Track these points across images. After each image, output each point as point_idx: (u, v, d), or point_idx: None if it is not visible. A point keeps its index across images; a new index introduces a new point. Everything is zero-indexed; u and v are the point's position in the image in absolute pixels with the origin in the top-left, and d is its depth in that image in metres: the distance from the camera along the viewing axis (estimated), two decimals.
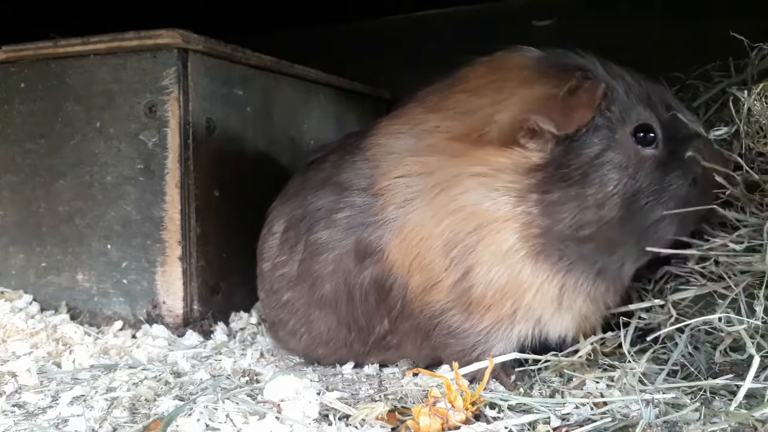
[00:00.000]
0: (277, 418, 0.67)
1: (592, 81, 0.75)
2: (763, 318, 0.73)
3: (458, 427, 0.65)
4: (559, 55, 0.80)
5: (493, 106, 0.78)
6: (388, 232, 0.81)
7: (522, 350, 0.82)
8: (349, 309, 0.85)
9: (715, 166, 0.77)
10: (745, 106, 0.79)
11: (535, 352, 0.82)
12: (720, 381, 0.72)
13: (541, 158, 0.76)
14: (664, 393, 0.70)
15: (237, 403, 0.71)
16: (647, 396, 0.69)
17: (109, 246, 1.09)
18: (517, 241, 0.77)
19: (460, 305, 0.79)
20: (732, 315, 0.74)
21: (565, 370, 0.82)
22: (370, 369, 0.90)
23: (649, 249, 0.80)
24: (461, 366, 0.78)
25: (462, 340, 0.81)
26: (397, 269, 0.81)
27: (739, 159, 0.79)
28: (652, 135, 0.77)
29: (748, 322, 0.73)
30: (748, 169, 0.78)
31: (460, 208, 0.78)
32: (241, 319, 1.12)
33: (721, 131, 0.80)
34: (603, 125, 0.76)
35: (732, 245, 0.76)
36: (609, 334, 0.85)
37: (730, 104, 0.80)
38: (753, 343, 0.72)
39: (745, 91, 0.80)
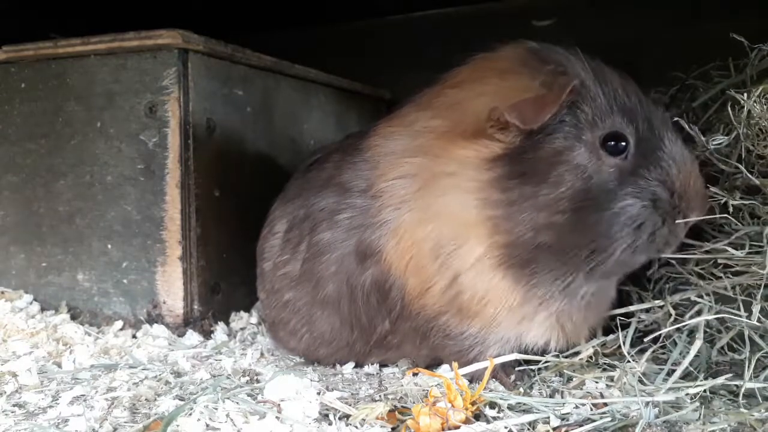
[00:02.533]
0: (277, 417, 0.67)
1: (564, 76, 0.74)
2: (760, 318, 0.73)
3: (458, 427, 0.65)
4: (544, 49, 0.78)
5: (472, 98, 0.78)
6: (386, 234, 0.81)
7: (522, 351, 0.82)
8: (351, 309, 0.85)
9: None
10: (745, 108, 0.79)
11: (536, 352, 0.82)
12: (720, 381, 0.72)
13: (503, 149, 0.74)
14: (664, 393, 0.70)
15: (237, 403, 0.71)
16: (647, 396, 0.69)
17: (109, 246, 1.09)
18: (487, 250, 0.76)
19: (453, 309, 0.79)
20: (730, 315, 0.74)
21: (564, 371, 0.82)
22: (370, 369, 0.90)
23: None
24: (461, 365, 0.78)
25: (458, 342, 0.81)
26: (394, 271, 0.81)
27: (739, 165, 0.78)
28: (623, 144, 0.73)
29: (746, 321, 0.73)
30: (747, 173, 0.78)
31: (440, 213, 0.78)
32: (241, 319, 1.12)
33: (719, 140, 0.80)
34: (570, 123, 0.74)
35: (731, 250, 0.76)
36: (610, 336, 0.85)
37: (729, 109, 0.80)
38: (747, 342, 0.73)
39: (745, 94, 0.80)
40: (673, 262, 0.84)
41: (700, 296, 0.79)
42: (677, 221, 0.74)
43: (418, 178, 0.80)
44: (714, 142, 0.80)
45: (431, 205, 0.78)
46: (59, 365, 0.92)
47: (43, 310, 1.12)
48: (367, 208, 0.83)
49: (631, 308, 0.84)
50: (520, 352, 0.81)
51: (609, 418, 0.67)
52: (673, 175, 0.74)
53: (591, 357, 0.83)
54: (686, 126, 0.80)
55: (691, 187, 0.75)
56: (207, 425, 0.66)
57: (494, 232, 0.75)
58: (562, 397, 0.75)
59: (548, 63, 0.76)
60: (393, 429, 0.68)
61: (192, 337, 1.03)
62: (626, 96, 0.76)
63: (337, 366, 0.92)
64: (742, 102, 0.80)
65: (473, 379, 0.79)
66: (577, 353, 0.83)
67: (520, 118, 0.72)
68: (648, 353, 0.78)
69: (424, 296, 0.80)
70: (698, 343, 0.73)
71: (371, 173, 0.84)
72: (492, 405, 0.71)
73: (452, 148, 0.77)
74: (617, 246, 0.73)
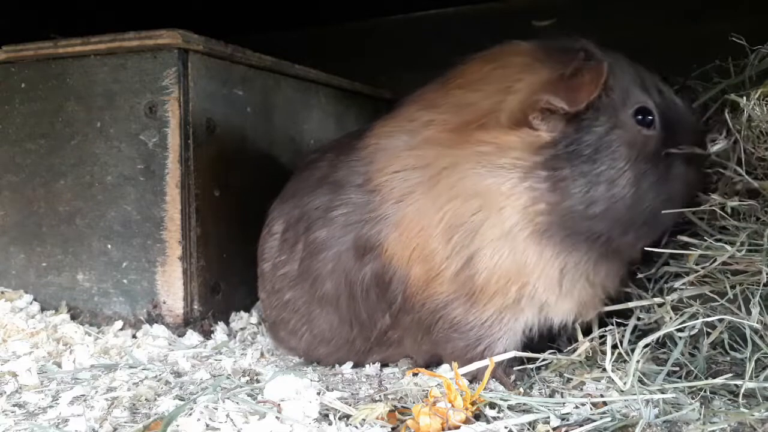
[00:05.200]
0: (277, 417, 0.67)
1: (595, 60, 0.76)
2: (758, 319, 0.73)
3: (458, 427, 0.65)
4: (557, 41, 0.81)
5: (497, 95, 0.79)
6: (387, 227, 0.81)
7: (522, 348, 0.82)
8: (350, 306, 0.85)
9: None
10: (745, 111, 0.79)
11: (535, 350, 0.82)
12: (719, 380, 0.72)
13: (551, 136, 0.77)
14: (663, 393, 0.70)
15: (237, 403, 0.71)
16: (647, 396, 0.69)
17: (109, 246, 1.09)
18: (521, 219, 0.77)
19: (464, 296, 0.79)
20: (729, 317, 0.75)
21: (565, 373, 0.82)
22: (370, 369, 0.90)
23: (648, 249, 0.81)
24: (465, 362, 0.78)
25: (465, 334, 0.81)
26: (396, 262, 0.81)
27: (738, 168, 0.79)
28: (650, 117, 0.79)
29: (746, 322, 0.73)
30: (747, 177, 0.78)
31: (462, 191, 0.78)
32: (241, 319, 1.12)
33: (719, 145, 0.81)
34: (607, 105, 0.77)
35: (728, 247, 0.76)
36: (609, 329, 0.85)
37: (726, 115, 0.80)
38: (749, 342, 0.73)
39: (744, 97, 0.80)
40: (673, 261, 0.85)
41: (700, 296, 0.79)
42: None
43: (429, 168, 0.80)
44: (714, 147, 0.80)
45: (449, 188, 0.78)
46: (59, 365, 0.92)
47: (43, 310, 1.12)
48: (365, 203, 0.83)
49: (631, 304, 0.84)
50: (540, 332, 0.82)
51: (609, 418, 0.67)
52: (693, 131, 0.82)
53: (589, 356, 0.83)
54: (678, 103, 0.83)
55: (702, 134, 0.83)
56: (207, 425, 0.66)
57: (535, 202, 0.76)
58: (562, 397, 0.75)
59: (571, 51, 0.78)
60: (393, 429, 0.68)
61: (192, 337, 1.03)
62: (633, 70, 0.81)
63: (337, 366, 0.92)
64: (742, 105, 0.80)
65: (473, 379, 0.79)
66: (575, 350, 0.83)
67: (567, 101, 0.75)
68: (644, 351, 0.78)
69: (432, 284, 0.80)
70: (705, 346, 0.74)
71: (368, 168, 0.84)
72: (492, 405, 0.71)
73: (484, 135, 0.78)
74: (678, 203, 0.79)
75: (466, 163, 0.78)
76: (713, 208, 0.79)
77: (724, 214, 0.79)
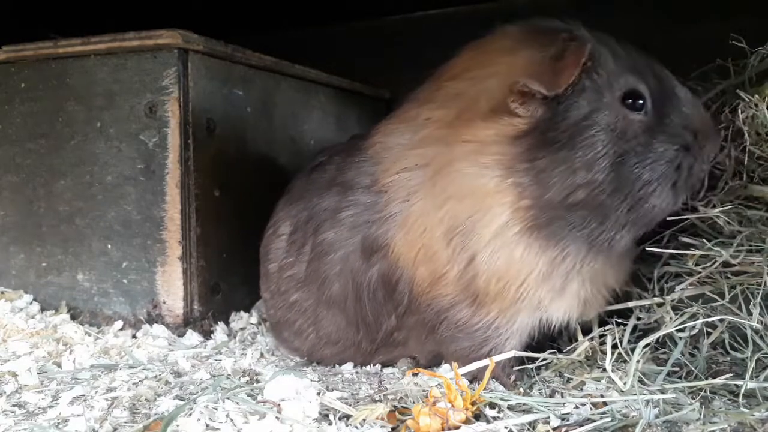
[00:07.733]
0: (277, 417, 0.67)
1: (577, 41, 0.75)
2: (759, 319, 0.73)
3: (458, 427, 0.65)
4: (545, 22, 0.80)
5: (481, 81, 0.78)
6: (393, 227, 0.81)
7: (523, 348, 0.82)
8: (357, 307, 0.85)
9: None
10: (743, 113, 0.79)
11: (535, 350, 0.82)
12: (720, 381, 0.72)
13: (528, 124, 0.75)
14: (664, 393, 0.70)
15: (237, 403, 0.71)
16: (647, 396, 0.69)
17: (109, 246, 1.09)
18: (510, 217, 0.76)
19: (468, 298, 0.79)
20: (729, 317, 0.75)
21: (565, 373, 0.82)
22: (370, 369, 0.90)
23: (649, 249, 0.81)
24: (468, 362, 0.78)
25: (471, 335, 0.80)
26: (402, 263, 0.81)
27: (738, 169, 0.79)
28: (641, 101, 0.76)
29: (747, 323, 0.73)
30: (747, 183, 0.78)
31: (457, 192, 0.77)
32: (241, 319, 1.12)
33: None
34: (590, 87, 0.75)
35: (729, 249, 0.76)
36: (609, 329, 0.85)
37: (739, 113, 0.80)
38: (750, 342, 0.73)
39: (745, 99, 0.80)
40: (673, 261, 0.85)
41: (700, 296, 0.79)
42: (704, 158, 0.78)
43: (429, 168, 0.79)
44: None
45: (445, 188, 0.78)
46: (59, 365, 0.92)
47: (43, 310, 1.12)
48: (373, 204, 0.83)
49: (630, 304, 0.84)
50: (541, 332, 0.81)
51: (609, 418, 0.67)
52: (692, 118, 0.78)
53: (589, 355, 0.83)
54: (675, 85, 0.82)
55: (706, 125, 0.79)
56: (207, 425, 0.66)
57: (520, 198, 0.75)
58: (562, 397, 0.75)
59: (556, 33, 0.76)
60: (393, 429, 0.68)
61: (192, 337, 1.03)
62: (630, 56, 0.79)
63: (337, 366, 0.92)
64: (745, 104, 0.80)
65: (473, 379, 0.79)
66: (575, 349, 0.83)
67: (545, 84, 0.73)
68: (643, 351, 0.78)
69: (436, 285, 0.80)
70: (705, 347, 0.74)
71: (375, 168, 0.84)
72: (492, 405, 0.71)
73: (467, 131, 0.77)
74: (661, 188, 0.75)
75: (458, 161, 0.77)
76: (714, 213, 0.79)
77: (727, 218, 0.78)
